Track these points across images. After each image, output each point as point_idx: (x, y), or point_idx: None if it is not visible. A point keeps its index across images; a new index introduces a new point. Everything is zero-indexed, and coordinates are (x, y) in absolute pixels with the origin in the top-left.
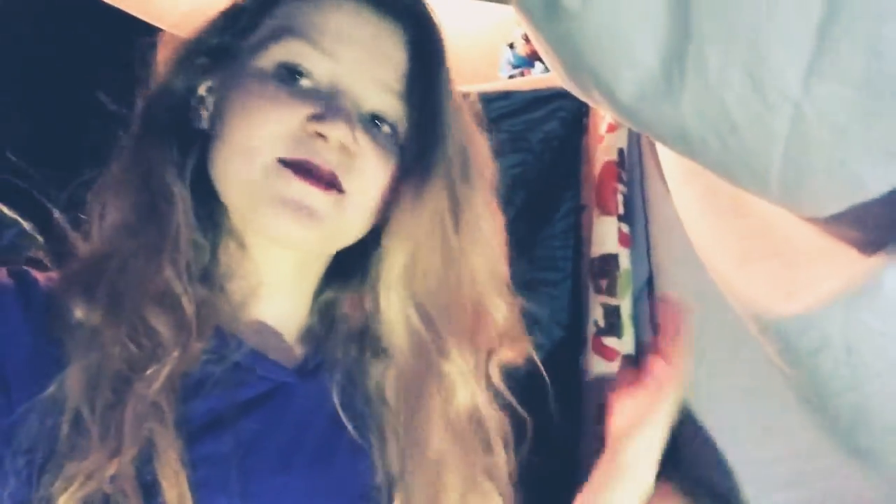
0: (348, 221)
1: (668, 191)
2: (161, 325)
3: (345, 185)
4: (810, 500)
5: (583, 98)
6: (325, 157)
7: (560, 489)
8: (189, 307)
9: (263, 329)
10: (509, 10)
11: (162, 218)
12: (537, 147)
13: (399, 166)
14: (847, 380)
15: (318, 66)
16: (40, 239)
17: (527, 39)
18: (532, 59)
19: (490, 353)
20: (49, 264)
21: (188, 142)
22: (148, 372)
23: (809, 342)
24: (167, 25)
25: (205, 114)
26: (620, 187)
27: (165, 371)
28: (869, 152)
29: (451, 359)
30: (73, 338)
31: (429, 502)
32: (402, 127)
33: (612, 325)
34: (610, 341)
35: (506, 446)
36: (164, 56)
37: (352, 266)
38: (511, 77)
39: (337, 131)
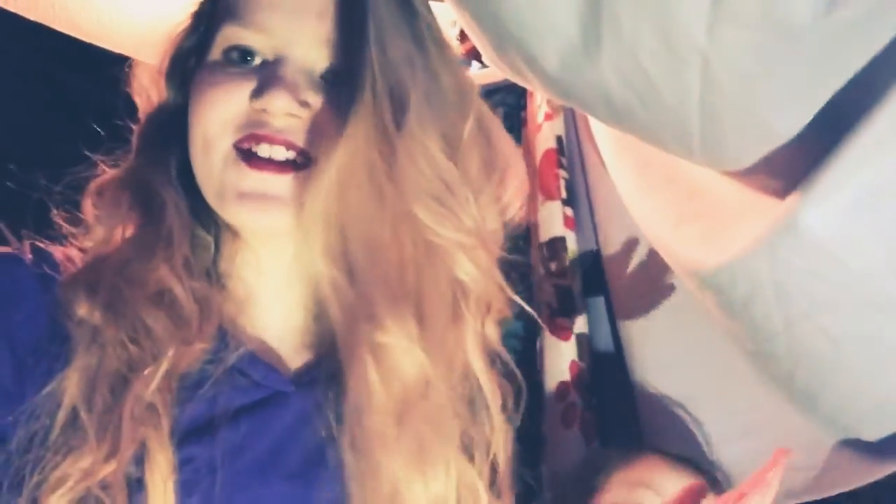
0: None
1: (607, 170)
2: (158, 324)
3: (311, 151)
4: (762, 450)
5: (513, 78)
6: (274, 128)
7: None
8: (187, 303)
9: (265, 333)
10: (444, 9)
11: (156, 219)
12: None
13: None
14: (779, 323)
15: (258, 43)
16: None
17: (462, 38)
18: (469, 58)
19: (476, 320)
20: None
21: (179, 150)
22: (146, 372)
23: (741, 290)
24: (127, 51)
25: None
26: (562, 172)
27: (162, 370)
28: (774, 98)
29: (386, 328)
30: (78, 333)
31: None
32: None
33: (565, 305)
34: (564, 321)
35: (502, 410)
36: (141, 79)
37: None
38: None
39: (278, 102)
